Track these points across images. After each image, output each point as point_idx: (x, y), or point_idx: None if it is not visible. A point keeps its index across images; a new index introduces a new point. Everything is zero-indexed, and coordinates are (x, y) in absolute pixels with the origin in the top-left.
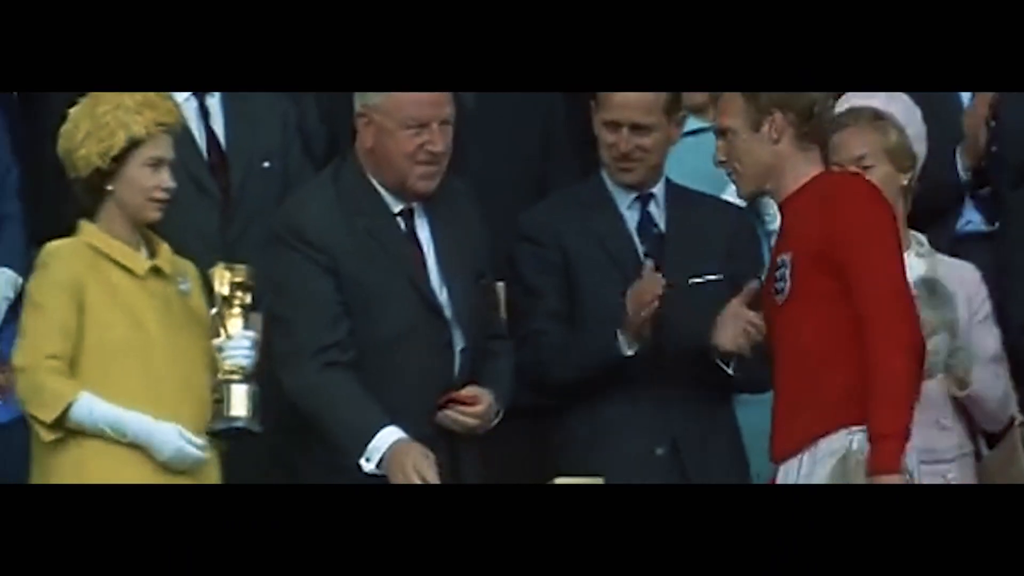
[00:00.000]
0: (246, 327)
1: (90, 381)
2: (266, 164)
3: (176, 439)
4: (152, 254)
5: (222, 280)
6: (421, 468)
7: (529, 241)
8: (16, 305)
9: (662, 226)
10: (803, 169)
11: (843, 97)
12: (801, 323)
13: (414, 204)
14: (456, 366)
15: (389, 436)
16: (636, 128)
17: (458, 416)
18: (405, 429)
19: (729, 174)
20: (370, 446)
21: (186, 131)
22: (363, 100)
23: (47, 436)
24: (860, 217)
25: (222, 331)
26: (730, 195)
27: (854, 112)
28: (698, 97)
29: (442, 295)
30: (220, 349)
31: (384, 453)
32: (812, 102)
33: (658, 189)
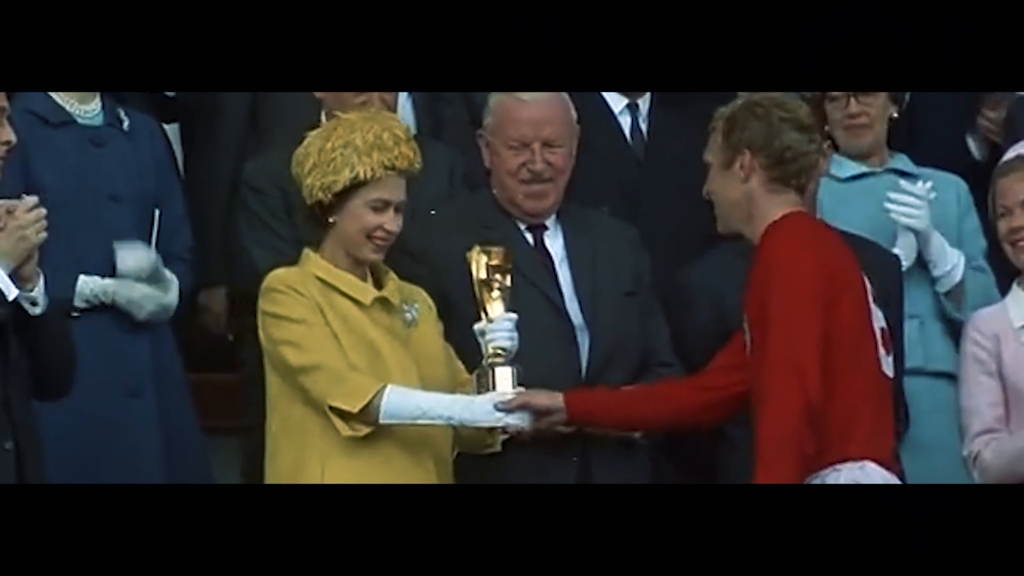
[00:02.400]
0: (507, 309)
1: None
2: (432, 212)
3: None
4: (379, 284)
5: (479, 264)
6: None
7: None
8: None
9: None
10: (772, 211)
11: (1013, 147)
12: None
13: (548, 221)
14: (583, 363)
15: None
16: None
17: None
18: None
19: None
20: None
21: None
22: (483, 122)
23: (346, 430)
24: (772, 274)
25: (483, 315)
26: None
27: (1022, 159)
28: (863, 142)
29: (572, 302)
30: (482, 333)
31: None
32: (784, 146)
33: None
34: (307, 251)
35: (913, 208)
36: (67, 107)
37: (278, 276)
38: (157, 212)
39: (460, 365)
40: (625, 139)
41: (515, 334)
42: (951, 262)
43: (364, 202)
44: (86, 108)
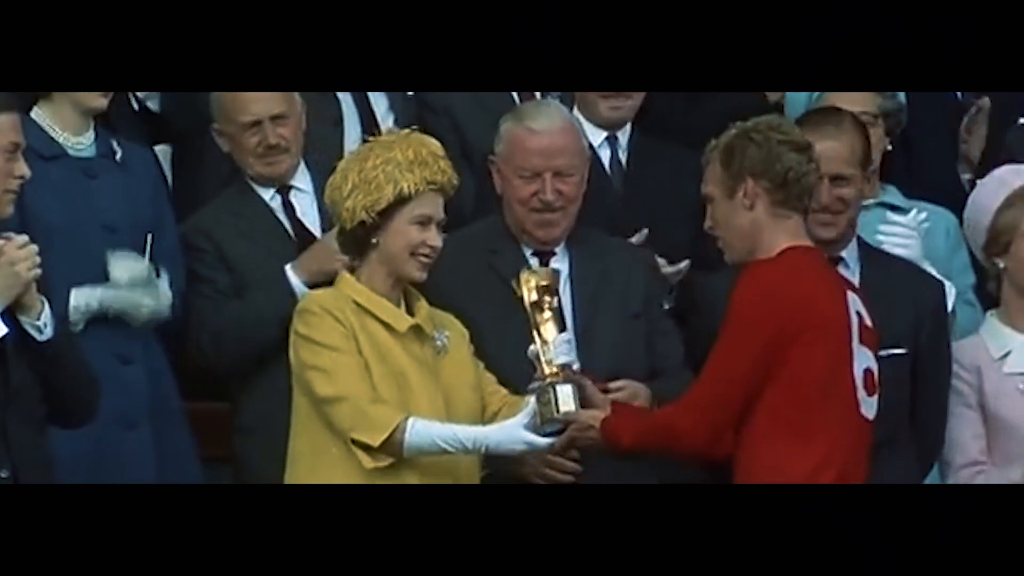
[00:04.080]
0: (560, 329)
1: None
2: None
3: (519, 434)
4: (411, 311)
5: (528, 286)
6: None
7: None
8: None
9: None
10: (775, 240)
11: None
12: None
13: (556, 247)
14: None
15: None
16: (836, 180)
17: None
18: None
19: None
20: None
21: None
22: (494, 148)
23: (369, 462)
24: (728, 316)
25: (537, 336)
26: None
27: None
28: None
29: (569, 327)
30: (537, 355)
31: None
32: (786, 168)
33: (848, 252)
34: (343, 274)
35: (903, 237)
36: (59, 140)
37: (315, 298)
38: (150, 236)
39: (490, 377)
40: (605, 172)
41: (574, 351)
42: None
43: (408, 218)
44: (78, 140)
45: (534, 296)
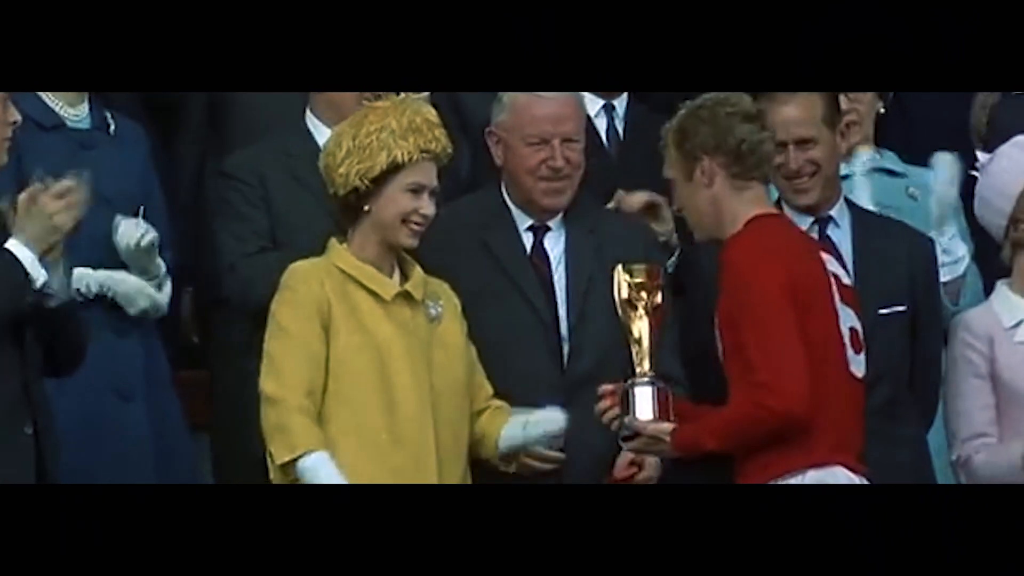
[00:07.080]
0: (652, 327)
1: (330, 406)
2: None
3: None
4: (404, 278)
5: (620, 284)
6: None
7: None
8: None
9: (847, 252)
10: (741, 210)
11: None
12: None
13: (551, 221)
14: (564, 372)
15: None
16: (801, 143)
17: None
18: None
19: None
20: None
21: None
22: (494, 119)
23: (276, 475)
24: (740, 289)
25: (629, 336)
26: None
27: None
28: (853, 140)
29: (561, 308)
30: (631, 356)
31: None
32: (739, 140)
33: (837, 211)
34: (333, 241)
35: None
36: (57, 110)
37: (296, 270)
38: (141, 209)
39: (480, 369)
40: (601, 141)
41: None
42: (959, 252)
43: (401, 186)
44: (75, 111)
45: (624, 293)
